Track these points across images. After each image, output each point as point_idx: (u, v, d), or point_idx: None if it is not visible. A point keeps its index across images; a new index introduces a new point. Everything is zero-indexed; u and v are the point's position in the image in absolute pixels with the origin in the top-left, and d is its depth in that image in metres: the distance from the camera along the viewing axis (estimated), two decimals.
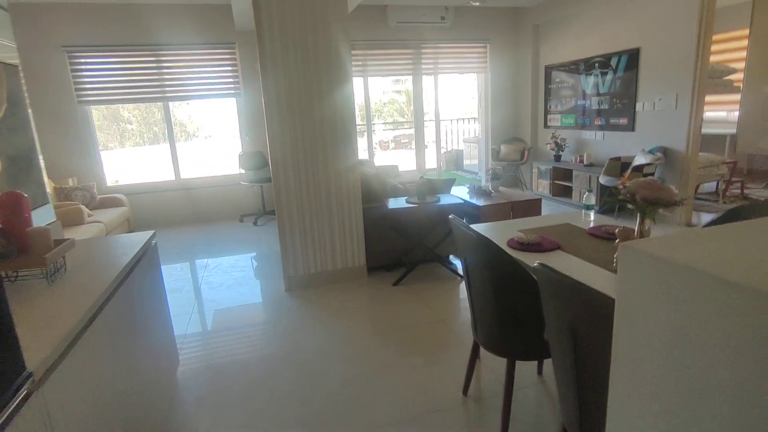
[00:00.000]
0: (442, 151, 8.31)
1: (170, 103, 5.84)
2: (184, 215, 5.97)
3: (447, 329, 2.73)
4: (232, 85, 5.78)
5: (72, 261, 1.77)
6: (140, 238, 2.06)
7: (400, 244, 3.68)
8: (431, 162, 7.67)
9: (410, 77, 6.78)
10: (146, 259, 2.03)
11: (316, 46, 3.19)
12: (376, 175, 3.66)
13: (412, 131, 7.23)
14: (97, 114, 6.03)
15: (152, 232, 2.16)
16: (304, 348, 2.61)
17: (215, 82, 5.72)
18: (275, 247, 4.65)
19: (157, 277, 2.16)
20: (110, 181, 5.98)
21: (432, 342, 2.59)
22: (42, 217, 1.92)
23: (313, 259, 3.49)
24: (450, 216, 1.86)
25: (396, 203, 3.44)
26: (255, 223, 5.67)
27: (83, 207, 4.35)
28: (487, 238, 1.59)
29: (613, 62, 5.21)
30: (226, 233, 5.32)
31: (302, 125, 3.26)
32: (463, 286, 3.39)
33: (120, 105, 5.77)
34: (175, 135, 6.17)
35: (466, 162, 9.28)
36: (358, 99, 6.41)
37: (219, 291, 3.57)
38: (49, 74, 5.22)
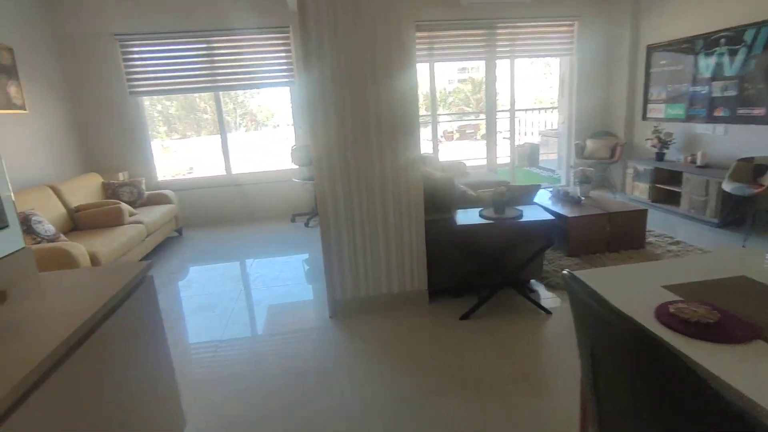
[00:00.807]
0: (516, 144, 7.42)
1: (233, 92, 5.49)
2: (233, 213, 5.64)
3: (534, 392, 2.04)
4: (286, 73, 5.31)
5: (25, 311, 1.28)
6: (130, 270, 1.56)
7: (469, 265, 3.00)
8: (503, 157, 6.85)
9: (479, 64, 5.99)
10: (135, 300, 1.52)
11: (374, 27, 2.56)
12: (443, 179, 2.99)
13: (477, 121, 6.44)
14: (175, 104, 5.78)
15: (147, 263, 1.66)
16: (346, 404, 2.03)
17: (268, 69, 5.28)
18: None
19: (152, 320, 1.66)
20: (172, 173, 5.78)
21: (516, 414, 1.91)
22: (5, 245, 1.47)
23: (364, 280, 2.91)
24: (564, 272, 1.17)
25: (466, 217, 2.76)
26: (307, 224, 5.20)
27: (124, 206, 4.05)
28: (651, 335, 0.89)
29: (748, 36, 4.13)
30: (274, 234, 4.90)
31: (353, 118, 2.67)
32: (551, 323, 2.65)
33: (170, 96, 5.36)
34: (245, 125, 5.84)
35: (541, 157, 8.32)
36: (423, 87, 5.72)
37: (256, 310, 3.10)
38: (101, 64, 5.01)
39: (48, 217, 3.67)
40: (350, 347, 2.53)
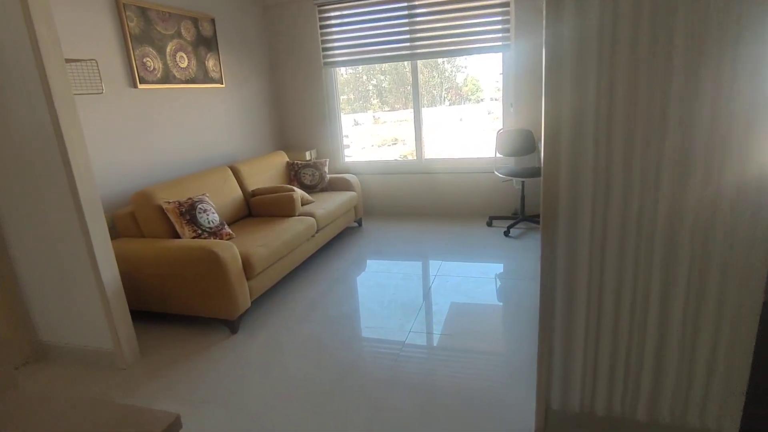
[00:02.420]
0: None
1: (441, 65, 4.58)
2: (420, 206, 4.78)
3: None
4: (500, 35, 4.08)
5: None
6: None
7: None
8: None
9: None
10: None
11: None
12: None
13: None
14: (387, 78, 5.29)
15: (174, 415, 0.77)
16: None
17: (478, 32, 4.13)
18: (531, 287, 2.89)
19: None
20: (375, 142, 5.30)
21: None
22: None
23: (607, 388, 1.62)
24: None
25: None
26: (506, 233, 4.00)
27: (297, 195, 3.52)
28: None
29: None
30: (464, 239, 3.86)
31: (630, 88, 1.35)
32: None
33: (365, 66, 4.68)
34: (449, 98, 4.96)
35: None
36: None
37: (415, 375, 2.12)
38: (298, 34, 4.61)
39: (221, 201, 3.34)
40: None
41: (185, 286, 2.61)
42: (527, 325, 2.50)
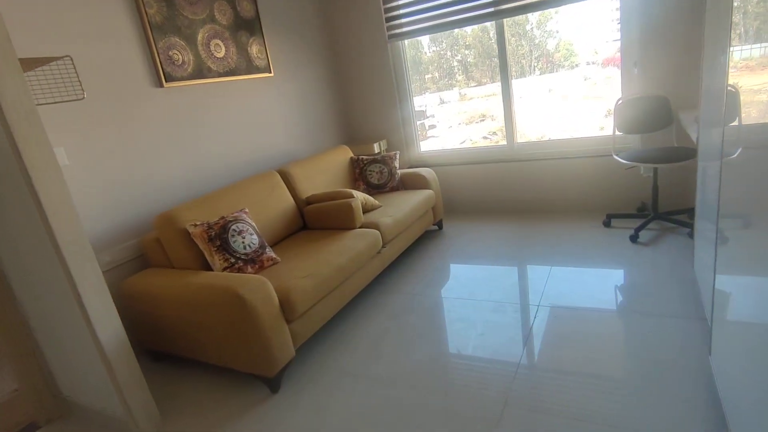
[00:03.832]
0: None
1: (529, 31, 3.64)
2: (514, 201, 3.89)
3: None
4: None
5: None
6: None
7: None
8: None
9: None
10: None
11: None
12: None
13: None
14: (472, 51, 4.58)
15: None
16: None
17: None
18: (683, 328, 1.94)
19: None
20: (462, 119, 4.56)
21: None
22: None
23: None
24: None
25: None
26: (634, 238, 2.99)
27: (357, 203, 2.85)
28: None
29: None
30: (574, 247, 2.92)
31: None
32: None
33: (465, 30, 3.91)
34: (539, 67, 4.04)
35: None
36: None
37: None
38: (357, 8, 3.89)
39: (267, 215, 2.78)
40: None
41: (211, 333, 2.07)
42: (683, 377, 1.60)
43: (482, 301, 2.56)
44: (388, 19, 3.85)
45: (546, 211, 3.77)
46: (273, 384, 2.06)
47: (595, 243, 3.04)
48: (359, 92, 4.18)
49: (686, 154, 2.75)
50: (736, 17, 1.41)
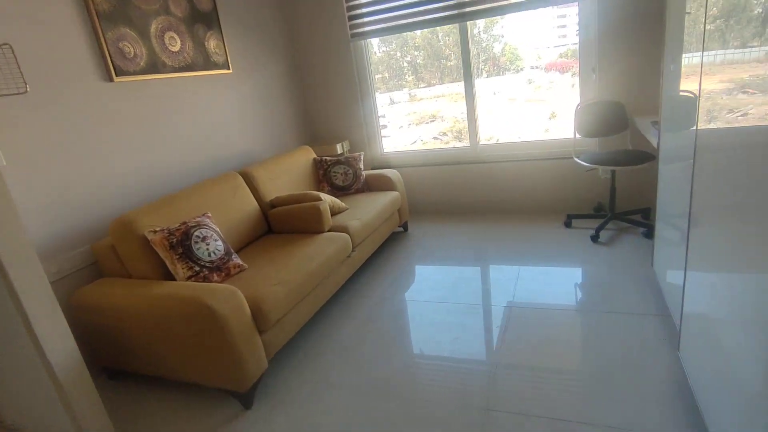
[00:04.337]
0: None
1: (477, 35, 3.67)
2: (477, 203, 3.93)
3: None
4: None
5: None
6: None
7: None
8: None
9: None
10: None
11: None
12: None
13: None
14: (422, 52, 4.53)
15: None
16: None
17: None
18: (643, 327, 2.02)
19: None
20: (413, 120, 4.50)
21: None
22: None
23: None
24: None
25: None
26: (595, 238, 3.10)
27: (324, 205, 2.77)
28: None
29: None
30: (541, 248, 2.99)
31: None
32: None
33: (414, 33, 3.84)
34: (486, 70, 4.08)
35: None
36: None
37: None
38: (319, 5, 3.80)
39: (231, 219, 2.64)
40: None
41: (176, 346, 1.92)
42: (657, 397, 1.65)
43: (454, 303, 2.56)
44: (351, 18, 3.78)
45: (509, 212, 3.84)
46: (246, 399, 1.94)
47: (559, 243, 3.13)
48: (321, 91, 4.08)
49: (644, 157, 2.88)
50: (701, 26, 1.47)
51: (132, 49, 2.54)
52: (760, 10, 1.06)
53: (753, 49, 1.11)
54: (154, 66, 2.67)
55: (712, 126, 1.42)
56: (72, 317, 2.09)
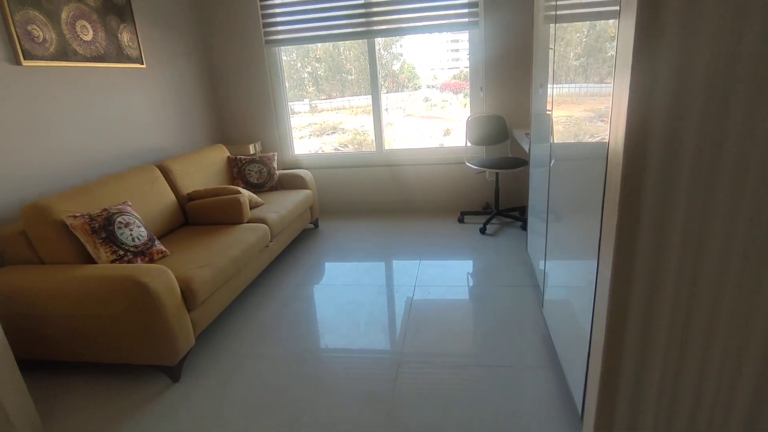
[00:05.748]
0: None
1: (378, 52, 4.08)
2: (382, 202, 4.31)
3: None
4: (467, 10, 3.66)
5: None
6: None
7: None
8: None
9: None
10: None
11: None
12: None
13: None
14: (323, 65, 4.68)
15: None
16: None
17: (443, 6, 3.69)
18: (526, 296, 2.52)
19: None
20: (315, 130, 4.69)
21: None
22: None
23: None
24: None
25: None
26: (483, 231, 3.63)
27: (244, 198, 2.92)
28: None
29: None
30: (437, 240, 3.44)
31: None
32: None
33: (316, 45, 4.05)
34: (386, 86, 4.46)
35: None
36: None
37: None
38: (234, 7, 3.93)
39: (149, 210, 2.67)
40: None
41: (105, 328, 1.96)
42: (532, 340, 2.12)
43: (363, 286, 2.86)
44: (266, 25, 3.96)
45: (411, 211, 4.28)
46: (174, 373, 2.04)
47: (453, 236, 3.60)
48: (235, 93, 4.18)
49: (520, 162, 3.48)
50: (551, 64, 1.97)
51: (41, 33, 2.48)
52: (612, 53, 1.54)
53: (581, 85, 1.58)
54: (64, 53, 2.62)
55: (558, 141, 1.91)
56: None
